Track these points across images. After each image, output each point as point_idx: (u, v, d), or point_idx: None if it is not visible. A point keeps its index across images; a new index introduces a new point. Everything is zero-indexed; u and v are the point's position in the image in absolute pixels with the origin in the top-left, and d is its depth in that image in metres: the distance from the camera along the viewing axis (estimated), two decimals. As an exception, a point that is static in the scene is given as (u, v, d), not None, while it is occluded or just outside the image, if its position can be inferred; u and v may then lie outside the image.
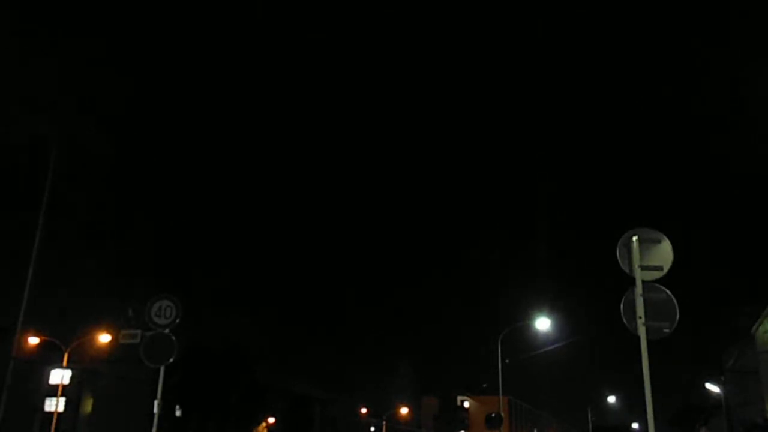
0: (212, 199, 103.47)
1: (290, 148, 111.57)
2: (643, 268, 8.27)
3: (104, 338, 36.92)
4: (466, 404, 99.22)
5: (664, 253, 8.37)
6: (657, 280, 8.32)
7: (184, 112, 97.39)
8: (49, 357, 39.52)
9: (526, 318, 31.85)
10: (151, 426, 12.21)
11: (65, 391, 38.88)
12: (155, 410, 12.19)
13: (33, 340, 35.94)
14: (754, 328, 39.11)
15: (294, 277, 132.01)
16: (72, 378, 42.01)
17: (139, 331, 12.24)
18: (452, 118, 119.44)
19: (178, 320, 12.06)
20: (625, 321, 8.29)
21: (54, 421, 36.03)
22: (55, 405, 37.49)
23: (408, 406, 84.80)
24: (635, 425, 76.15)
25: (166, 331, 12.00)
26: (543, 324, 30.71)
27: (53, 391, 40.27)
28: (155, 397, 12.22)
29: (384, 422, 73.74)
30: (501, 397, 33.98)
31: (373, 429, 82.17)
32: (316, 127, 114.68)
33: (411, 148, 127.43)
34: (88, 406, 46.07)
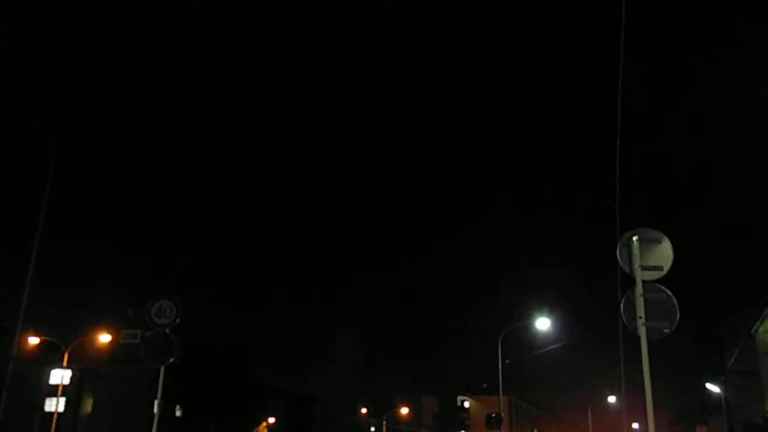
0: (212, 197, 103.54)
1: (290, 149, 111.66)
2: (644, 268, 8.27)
3: (104, 338, 36.94)
4: (466, 404, 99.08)
5: (664, 253, 8.37)
6: (657, 280, 8.32)
7: (180, 113, 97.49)
8: (49, 357, 39.49)
9: (526, 318, 31.88)
10: (151, 426, 12.20)
11: (65, 391, 38.86)
12: (155, 410, 12.19)
13: (33, 340, 35.94)
14: (754, 328, 39.09)
15: (293, 276, 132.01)
16: (72, 378, 41.97)
17: (139, 331, 12.24)
18: (448, 123, 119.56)
19: (178, 320, 12.05)
20: (625, 321, 8.29)
21: (54, 421, 36.03)
22: (55, 405, 37.49)
23: (408, 406, 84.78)
24: (635, 425, 76.08)
25: (166, 331, 12.00)
26: (543, 324, 30.76)
27: (53, 391, 40.25)
28: (155, 397, 12.21)
29: (384, 422, 73.71)
30: (501, 397, 33.95)
31: (373, 429, 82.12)
32: (310, 134, 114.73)
33: (407, 148, 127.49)
34: (88, 406, 46.02)
